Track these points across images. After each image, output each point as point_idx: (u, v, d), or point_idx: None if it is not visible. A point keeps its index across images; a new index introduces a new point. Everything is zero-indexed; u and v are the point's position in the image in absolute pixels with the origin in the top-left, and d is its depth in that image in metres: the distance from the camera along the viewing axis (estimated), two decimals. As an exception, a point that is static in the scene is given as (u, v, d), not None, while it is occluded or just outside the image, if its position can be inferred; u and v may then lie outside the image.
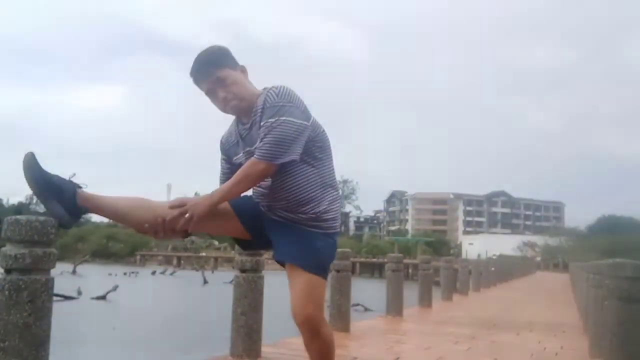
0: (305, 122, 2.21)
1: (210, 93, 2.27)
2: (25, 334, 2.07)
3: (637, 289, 3.75)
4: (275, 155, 2.14)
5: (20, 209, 73.28)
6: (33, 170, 2.08)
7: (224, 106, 2.28)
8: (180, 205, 2.14)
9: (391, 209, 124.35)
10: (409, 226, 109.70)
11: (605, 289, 3.97)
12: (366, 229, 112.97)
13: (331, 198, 2.30)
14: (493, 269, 18.09)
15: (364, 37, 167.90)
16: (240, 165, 2.27)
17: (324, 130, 2.35)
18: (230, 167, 2.41)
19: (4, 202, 79.95)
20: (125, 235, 70.68)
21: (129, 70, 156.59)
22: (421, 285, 9.11)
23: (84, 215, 2.18)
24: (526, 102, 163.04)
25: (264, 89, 2.28)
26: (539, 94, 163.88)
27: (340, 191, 2.44)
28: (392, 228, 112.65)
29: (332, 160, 2.36)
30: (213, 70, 2.22)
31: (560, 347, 5.33)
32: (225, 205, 2.25)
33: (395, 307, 7.09)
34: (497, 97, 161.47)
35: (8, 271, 2.11)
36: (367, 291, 22.64)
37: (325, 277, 2.25)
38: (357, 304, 17.07)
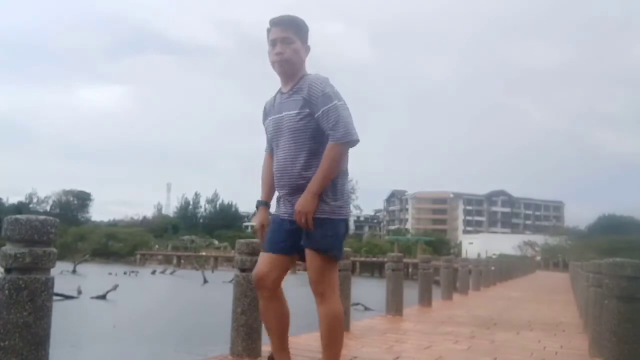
0: None
1: (273, 43, 2.57)
2: (25, 333, 2.07)
3: (636, 289, 3.75)
4: (352, 133, 2.46)
5: (20, 208, 73.31)
6: None
7: (275, 60, 2.58)
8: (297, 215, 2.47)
9: (391, 208, 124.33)
10: (408, 225, 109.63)
11: (605, 288, 3.97)
12: (366, 229, 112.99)
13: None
14: (493, 268, 18.07)
15: (364, 36, 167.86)
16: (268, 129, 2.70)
17: None
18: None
19: (4, 201, 79.94)
20: (125, 235, 70.59)
21: (129, 70, 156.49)
22: (421, 285, 9.10)
23: None
24: (526, 102, 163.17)
25: (307, 74, 2.61)
26: (539, 93, 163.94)
27: None
28: (392, 227, 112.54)
29: None
30: (290, 29, 2.56)
31: (560, 347, 5.33)
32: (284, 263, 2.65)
33: (395, 306, 7.08)
34: (497, 96, 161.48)
35: (8, 270, 2.11)
36: (367, 290, 22.67)
37: (335, 256, 2.55)
38: (357, 303, 17.08)
